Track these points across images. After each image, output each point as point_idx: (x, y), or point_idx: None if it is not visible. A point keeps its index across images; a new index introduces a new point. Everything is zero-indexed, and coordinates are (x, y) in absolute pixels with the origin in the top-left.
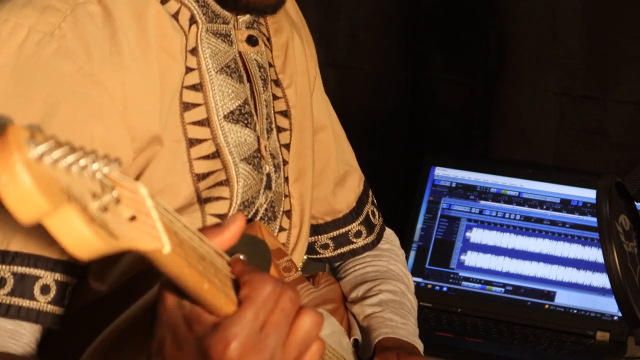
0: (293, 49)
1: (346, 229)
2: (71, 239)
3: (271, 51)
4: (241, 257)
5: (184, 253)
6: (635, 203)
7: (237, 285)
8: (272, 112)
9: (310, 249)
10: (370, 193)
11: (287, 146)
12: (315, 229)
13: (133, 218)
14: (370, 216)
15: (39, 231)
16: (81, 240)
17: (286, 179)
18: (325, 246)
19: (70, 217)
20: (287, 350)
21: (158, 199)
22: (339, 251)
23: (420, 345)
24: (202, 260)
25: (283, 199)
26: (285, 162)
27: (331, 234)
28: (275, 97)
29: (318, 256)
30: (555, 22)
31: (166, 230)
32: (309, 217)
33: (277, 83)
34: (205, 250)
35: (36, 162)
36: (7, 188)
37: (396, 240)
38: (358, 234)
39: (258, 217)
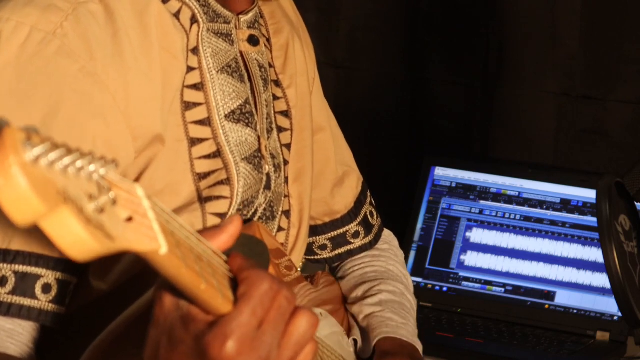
0: (293, 50)
1: (344, 229)
2: (67, 240)
3: (271, 52)
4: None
5: (181, 254)
6: (635, 203)
7: (234, 285)
8: (273, 112)
9: (309, 249)
10: (369, 194)
11: (288, 146)
12: (314, 230)
13: (130, 219)
14: (369, 217)
15: (40, 230)
16: (77, 241)
17: (286, 179)
18: (323, 247)
19: (67, 218)
20: (283, 349)
21: (155, 199)
22: (336, 252)
23: (419, 346)
24: (200, 260)
25: (282, 199)
26: (286, 162)
27: (329, 234)
28: (275, 98)
29: (316, 257)
30: (555, 22)
31: (163, 230)
32: (308, 217)
33: (277, 83)
34: (202, 250)
35: (32, 164)
36: (3, 190)
37: (395, 241)
38: (356, 235)
39: (257, 217)
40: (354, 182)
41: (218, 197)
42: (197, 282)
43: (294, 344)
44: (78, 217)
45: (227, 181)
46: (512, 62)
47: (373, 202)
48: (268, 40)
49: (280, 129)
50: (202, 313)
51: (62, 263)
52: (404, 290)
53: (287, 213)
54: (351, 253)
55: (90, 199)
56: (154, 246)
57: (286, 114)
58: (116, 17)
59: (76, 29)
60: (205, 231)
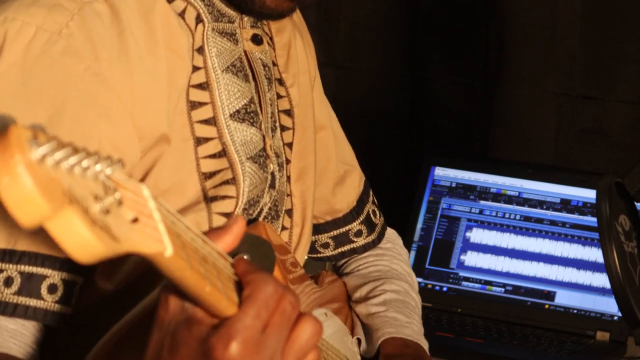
0: (295, 48)
1: (346, 228)
2: (72, 242)
3: (274, 50)
4: (245, 257)
5: (186, 255)
6: (635, 203)
7: (239, 287)
8: (276, 110)
9: (311, 248)
10: (371, 192)
11: (289, 145)
12: (316, 228)
13: (135, 220)
14: (371, 215)
15: (45, 231)
16: (82, 243)
17: (288, 178)
18: (325, 245)
19: (72, 219)
20: (286, 355)
21: (161, 200)
22: (339, 250)
23: (425, 344)
24: (205, 262)
25: (285, 197)
26: (287, 161)
27: (331, 233)
28: (279, 96)
29: (318, 255)
30: (555, 22)
31: (168, 232)
32: (311, 216)
33: (280, 82)
34: (207, 251)
35: (38, 164)
36: (8, 190)
37: (398, 240)
38: (359, 233)
39: (262, 216)
40: (355, 180)
41: (224, 197)
42: (201, 284)
43: (297, 351)
44: (83, 218)
45: (233, 180)
46: (512, 62)
47: (375, 201)
48: (271, 38)
49: (283, 128)
50: (207, 316)
51: (67, 263)
52: (408, 289)
53: (289, 212)
54: (354, 251)
55: (95, 200)
56: (159, 248)
57: (289, 112)
58: (121, 16)
59: (82, 28)
60: (210, 232)
